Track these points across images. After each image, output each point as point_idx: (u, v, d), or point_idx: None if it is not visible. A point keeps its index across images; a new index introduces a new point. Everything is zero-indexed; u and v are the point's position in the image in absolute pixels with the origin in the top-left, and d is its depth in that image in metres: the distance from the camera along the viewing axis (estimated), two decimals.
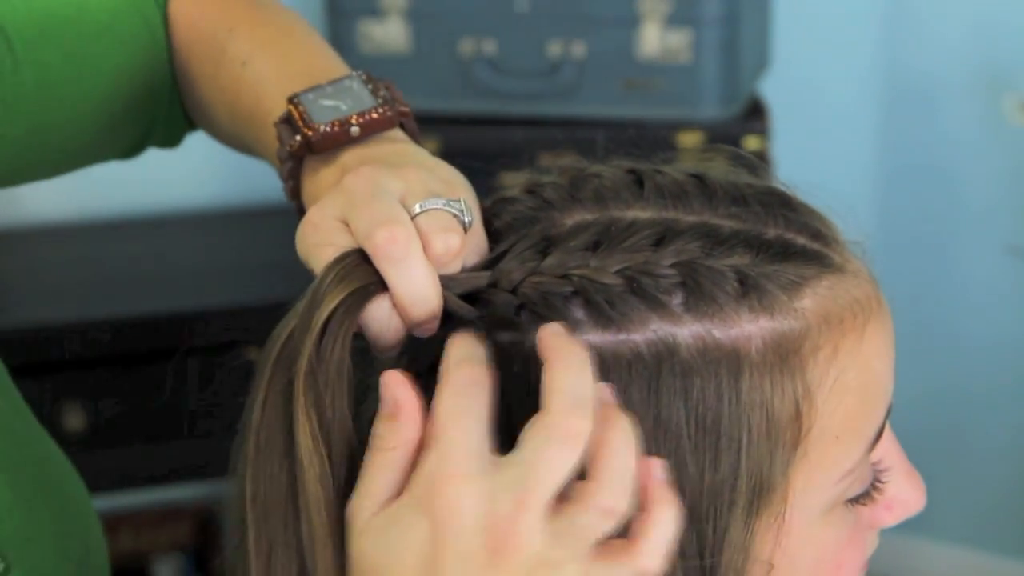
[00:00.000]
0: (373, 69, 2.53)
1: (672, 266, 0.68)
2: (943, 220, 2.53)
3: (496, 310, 0.68)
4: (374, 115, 0.75)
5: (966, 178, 2.52)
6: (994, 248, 2.49)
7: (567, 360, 0.63)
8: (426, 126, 2.16)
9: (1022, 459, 2.60)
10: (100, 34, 0.90)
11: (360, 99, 0.78)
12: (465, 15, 2.16)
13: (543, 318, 0.67)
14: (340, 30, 2.19)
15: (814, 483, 0.69)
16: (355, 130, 0.75)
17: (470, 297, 0.69)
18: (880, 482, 0.73)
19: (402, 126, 0.78)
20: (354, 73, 0.79)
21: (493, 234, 0.72)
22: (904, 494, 0.74)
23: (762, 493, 0.68)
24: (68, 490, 0.88)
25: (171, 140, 1.00)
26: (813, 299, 0.69)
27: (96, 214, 2.41)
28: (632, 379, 0.66)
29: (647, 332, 0.67)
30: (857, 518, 0.72)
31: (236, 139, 0.91)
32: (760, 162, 0.75)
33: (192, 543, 2.44)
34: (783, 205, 0.72)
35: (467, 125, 2.19)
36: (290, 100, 0.77)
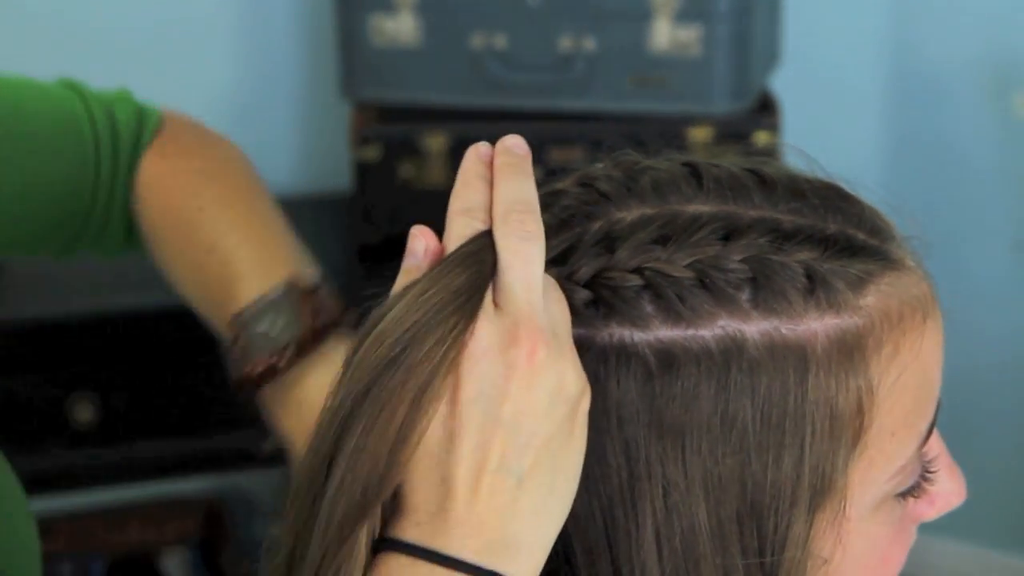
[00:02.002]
0: (384, 63, 2.52)
1: (742, 261, 0.67)
2: (952, 215, 2.53)
3: (568, 304, 0.67)
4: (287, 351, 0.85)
5: (975, 173, 2.52)
6: (1002, 243, 2.49)
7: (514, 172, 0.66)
8: (436, 120, 2.17)
9: (1019, 452, 2.60)
10: (28, 137, 0.92)
11: (288, 320, 0.86)
12: (476, 9, 2.16)
13: (614, 313, 0.67)
14: (351, 24, 2.19)
15: (870, 478, 0.69)
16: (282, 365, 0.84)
17: None
18: (929, 474, 0.73)
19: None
20: (290, 282, 0.86)
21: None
22: (947, 488, 0.74)
23: (823, 490, 0.68)
24: None
25: (104, 253, 1.03)
26: (876, 296, 0.69)
27: None
28: (701, 375, 0.66)
29: (715, 328, 0.67)
30: (903, 512, 0.73)
31: (204, 310, 0.96)
32: (771, 159, 0.75)
33: (199, 536, 2.44)
34: (841, 199, 0.72)
35: (477, 119, 2.19)
36: (232, 322, 0.84)
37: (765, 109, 2.19)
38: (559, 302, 0.66)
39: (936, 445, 0.74)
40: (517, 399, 0.63)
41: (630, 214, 0.70)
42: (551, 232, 0.70)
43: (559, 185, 0.73)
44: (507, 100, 2.18)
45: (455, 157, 2.17)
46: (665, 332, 0.67)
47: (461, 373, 0.63)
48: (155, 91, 2.43)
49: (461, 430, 0.63)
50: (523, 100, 2.17)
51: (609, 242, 0.69)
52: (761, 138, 2.13)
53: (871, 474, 0.69)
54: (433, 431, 0.63)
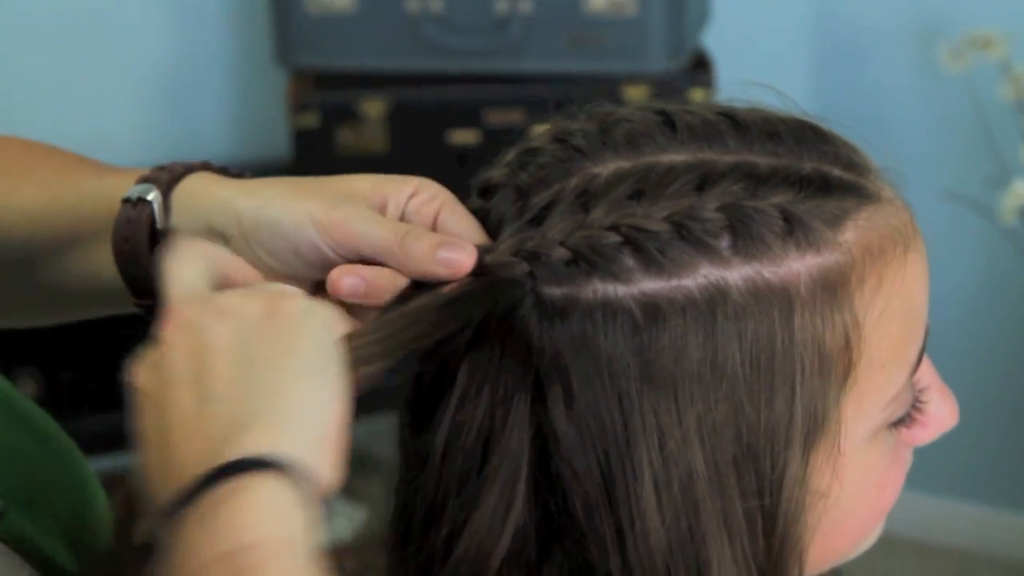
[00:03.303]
0: (319, 29, 2.51)
1: (718, 209, 0.68)
2: (881, 166, 2.55)
3: (547, 264, 0.68)
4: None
5: (900, 125, 2.54)
6: (930, 194, 2.51)
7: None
8: (374, 86, 2.16)
9: (963, 404, 2.63)
10: None
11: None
12: None
13: (596, 269, 0.67)
14: None
15: (863, 411, 0.70)
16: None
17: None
18: (920, 402, 0.74)
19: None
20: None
21: (520, 187, 0.71)
22: (940, 411, 0.75)
23: (817, 427, 0.69)
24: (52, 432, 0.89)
25: None
26: (855, 231, 0.69)
27: None
28: (688, 325, 0.67)
29: (698, 277, 0.67)
30: (897, 440, 0.74)
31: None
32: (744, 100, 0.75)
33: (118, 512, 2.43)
34: (816, 137, 0.72)
35: (415, 83, 2.19)
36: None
37: (699, 67, 2.20)
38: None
39: (927, 371, 0.75)
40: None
41: (606, 169, 0.70)
42: (530, 191, 0.71)
43: (535, 143, 0.73)
44: (444, 63, 2.18)
45: (394, 122, 2.17)
46: (649, 284, 0.67)
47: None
48: (88, 63, 2.43)
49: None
50: (460, 63, 2.17)
51: (585, 200, 0.69)
52: (697, 95, 2.14)
53: (864, 407, 0.70)
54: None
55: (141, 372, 0.66)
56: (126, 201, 0.75)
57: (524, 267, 0.68)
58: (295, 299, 0.67)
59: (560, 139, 0.72)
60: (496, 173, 0.73)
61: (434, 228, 0.72)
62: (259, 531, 0.61)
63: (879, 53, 2.57)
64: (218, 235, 0.74)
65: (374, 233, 0.70)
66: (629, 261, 0.67)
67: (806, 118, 0.73)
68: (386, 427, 1.51)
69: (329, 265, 0.71)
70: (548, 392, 0.68)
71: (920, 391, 0.74)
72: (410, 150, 2.17)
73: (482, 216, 0.72)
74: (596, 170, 0.70)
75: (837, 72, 2.59)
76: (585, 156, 0.71)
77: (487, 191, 0.73)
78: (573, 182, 0.70)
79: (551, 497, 0.69)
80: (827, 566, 0.75)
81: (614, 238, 0.67)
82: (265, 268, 0.72)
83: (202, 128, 2.49)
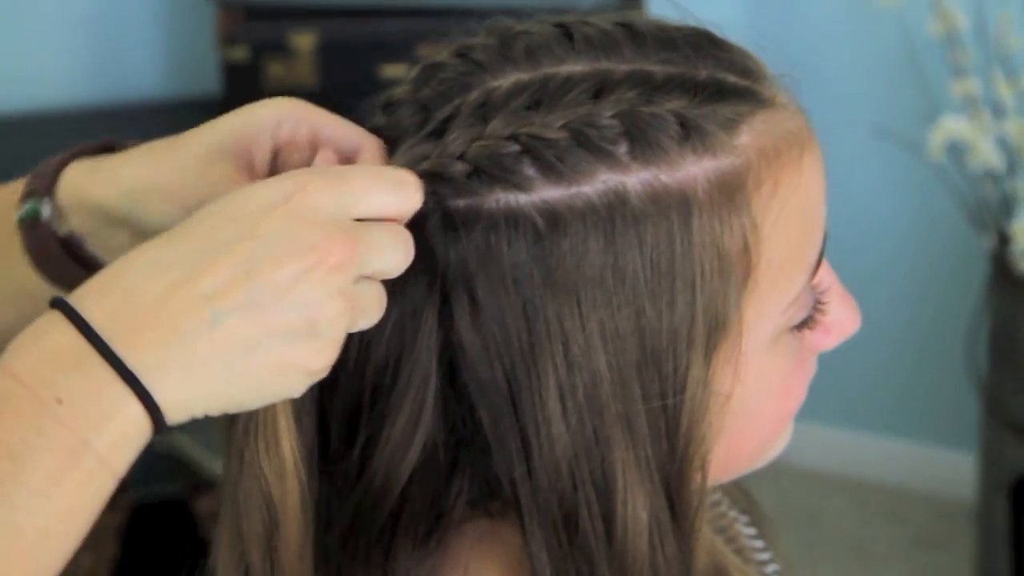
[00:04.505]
0: None
1: (613, 116, 0.68)
2: (809, 103, 2.55)
3: (449, 179, 0.68)
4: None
5: (831, 60, 2.55)
6: (861, 130, 2.53)
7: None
8: (304, 20, 2.15)
9: (888, 339, 2.65)
10: None
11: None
12: None
13: (497, 179, 0.68)
14: None
15: (764, 313, 0.72)
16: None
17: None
18: (821, 304, 0.75)
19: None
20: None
21: (422, 101, 0.72)
22: (841, 316, 0.76)
23: (718, 328, 0.70)
24: None
25: None
26: (750, 135, 0.70)
27: None
28: (588, 231, 0.68)
29: (597, 183, 0.68)
30: (800, 344, 0.75)
31: None
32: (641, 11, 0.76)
33: None
34: (711, 45, 0.73)
35: (344, 17, 2.17)
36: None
37: (630, 3, 2.20)
38: None
39: (827, 276, 0.76)
40: (275, 267, 0.63)
41: (505, 81, 0.70)
42: (432, 105, 0.71)
43: (438, 58, 0.74)
44: None
45: (324, 56, 2.15)
46: (549, 192, 0.68)
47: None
48: None
49: (200, 232, 0.64)
50: None
51: (484, 112, 0.69)
52: None
53: (764, 309, 0.71)
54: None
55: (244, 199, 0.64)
56: (22, 223, 0.75)
57: (426, 184, 0.68)
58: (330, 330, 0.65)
59: (461, 54, 0.73)
60: (399, 90, 0.73)
61: (316, 148, 0.72)
62: (29, 369, 0.61)
63: None
64: (116, 218, 0.74)
65: None
66: (529, 170, 0.68)
67: (702, 27, 0.74)
68: None
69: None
70: (454, 303, 0.69)
71: (820, 293, 0.75)
72: (341, 84, 2.16)
73: (384, 132, 0.72)
74: (496, 83, 0.70)
75: (769, 6, 2.59)
76: (485, 70, 0.71)
77: (389, 107, 0.73)
78: (473, 95, 0.70)
79: (459, 409, 0.70)
80: (734, 473, 0.77)
81: (513, 147, 0.68)
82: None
83: (131, 63, 2.47)
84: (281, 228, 0.63)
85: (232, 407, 0.65)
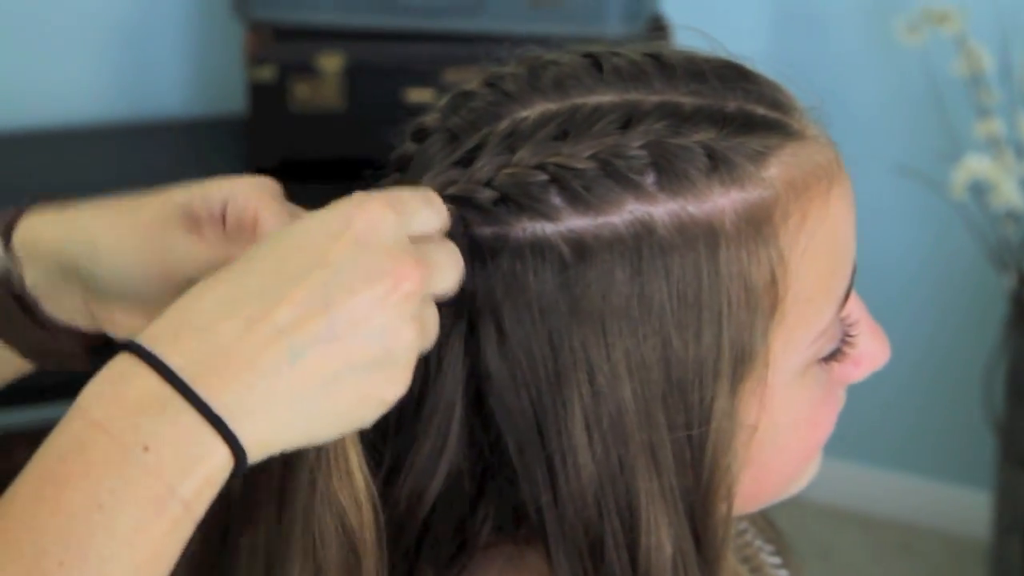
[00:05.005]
0: None
1: (641, 147, 0.69)
2: (835, 140, 2.56)
3: (476, 205, 0.69)
4: None
5: (855, 98, 2.55)
6: (883, 168, 2.53)
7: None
8: (331, 41, 2.15)
9: (906, 376, 2.65)
10: None
11: None
12: None
13: (524, 208, 0.68)
14: None
15: (791, 346, 0.72)
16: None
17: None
18: (849, 337, 0.75)
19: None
20: None
21: (451, 130, 0.72)
22: (870, 348, 0.76)
23: (745, 360, 0.70)
24: None
25: None
26: (779, 167, 0.70)
27: None
28: (614, 261, 0.68)
29: (624, 213, 0.68)
30: (829, 376, 0.75)
31: None
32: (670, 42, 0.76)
33: None
34: (740, 77, 0.73)
35: (372, 40, 2.18)
36: None
37: (658, 32, 2.20)
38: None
39: (856, 308, 0.76)
40: (357, 300, 0.62)
41: (533, 111, 0.71)
42: (461, 134, 0.71)
43: (467, 87, 0.74)
44: (403, 21, 2.17)
45: (350, 78, 2.16)
46: (576, 222, 0.68)
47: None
48: (45, 14, 2.40)
49: (270, 270, 0.63)
50: (418, 21, 2.17)
51: (512, 141, 0.70)
52: None
53: (792, 341, 0.71)
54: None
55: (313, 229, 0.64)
56: None
57: (453, 211, 0.68)
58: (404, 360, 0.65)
59: (491, 83, 0.73)
60: (429, 117, 0.74)
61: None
62: (114, 417, 0.60)
63: (836, 25, 2.58)
64: (69, 269, 0.74)
65: (191, 261, 0.72)
66: (556, 199, 0.68)
67: (731, 58, 0.74)
68: None
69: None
70: (481, 331, 0.69)
71: (849, 326, 0.75)
72: (366, 107, 2.16)
73: (414, 160, 0.73)
74: (524, 113, 0.71)
75: (794, 42, 2.60)
76: (514, 99, 0.71)
77: (419, 135, 0.74)
78: (501, 125, 0.70)
79: (485, 436, 0.71)
80: (760, 504, 0.77)
81: (540, 176, 0.68)
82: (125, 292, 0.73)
83: (158, 80, 2.48)
84: (350, 255, 0.63)
85: (307, 441, 0.64)
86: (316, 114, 2.15)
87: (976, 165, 2.22)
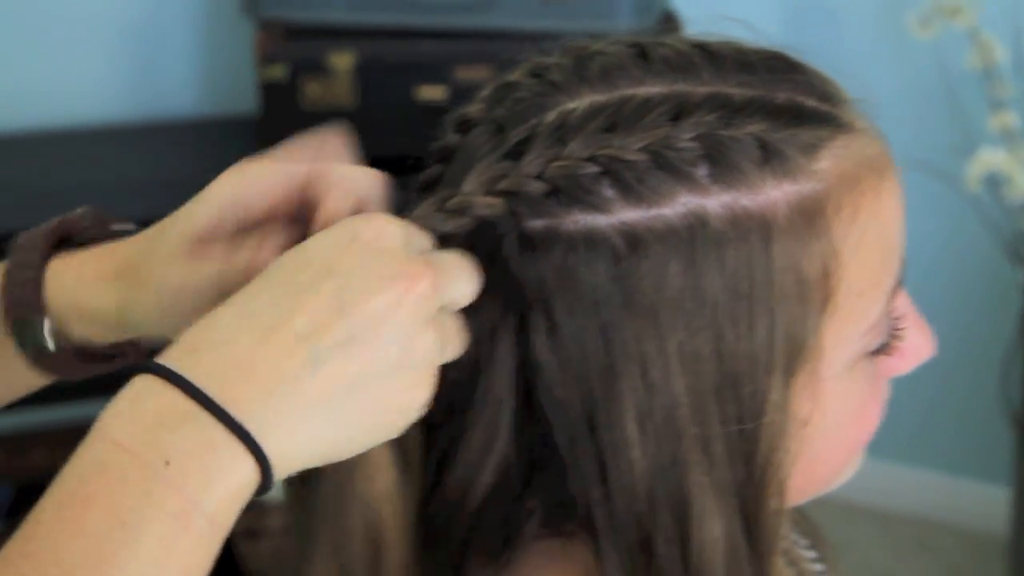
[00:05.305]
0: None
1: (693, 139, 0.68)
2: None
3: (527, 198, 0.68)
4: None
5: (871, 94, 2.54)
6: (896, 162, 2.52)
7: None
8: (342, 39, 2.15)
9: (922, 370, 2.64)
10: None
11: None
12: None
13: (575, 200, 0.67)
14: None
15: (842, 339, 0.71)
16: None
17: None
18: (897, 331, 0.75)
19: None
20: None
21: (497, 121, 0.71)
22: (916, 342, 0.76)
23: (797, 354, 0.69)
24: None
25: None
26: (830, 160, 0.70)
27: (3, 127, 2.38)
28: (668, 254, 0.67)
29: (677, 205, 0.67)
30: (875, 370, 0.74)
31: None
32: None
33: None
34: (790, 68, 0.73)
35: (383, 38, 2.18)
36: None
37: (669, 26, 2.20)
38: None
39: (903, 302, 0.75)
40: (372, 302, 0.62)
41: (581, 103, 0.70)
42: (507, 125, 0.70)
43: (511, 77, 0.73)
44: (414, 18, 2.17)
45: (361, 76, 2.16)
46: (628, 214, 0.67)
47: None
48: (54, 14, 2.40)
49: (284, 279, 0.63)
50: (429, 18, 2.16)
51: (562, 133, 0.69)
52: None
53: (843, 334, 0.71)
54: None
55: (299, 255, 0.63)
56: (26, 350, 0.73)
57: (504, 204, 0.68)
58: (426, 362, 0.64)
59: (536, 74, 0.72)
60: (472, 108, 0.73)
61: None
62: (143, 444, 0.59)
63: (848, 18, 2.58)
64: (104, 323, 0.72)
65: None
66: (608, 191, 0.67)
67: (779, 49, 0.74)
68: None
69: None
70: (531, 324, 0.68)
71: (897, 319, 0.74)
72: (377, 105, 2.16)
73: (457, 152, 0.72)
74: (572, 104, 0.70)
75: (805, 36, 2.59)
76: (560, 90, 0.71)
77: (463, 126, 0.73)
78: (549, 117, 0.70)
79: (534, 430, 0.70)
80: (805, 497, 0.76)
81: (592, 168, 0.67)
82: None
83: (168, 80, 2.48)
84: (361, 262, 0.62)
85: (336, 454, 0.63)
86: (327, 112, 2.14)
87: (990, 158, 2.22)
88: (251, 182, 0.70)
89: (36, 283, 0.73)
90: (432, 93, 2.14)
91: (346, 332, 0.61)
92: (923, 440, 2.77)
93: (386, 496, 0.68)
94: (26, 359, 0.73)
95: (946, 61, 2.39)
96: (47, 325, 0.73)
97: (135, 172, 2.27)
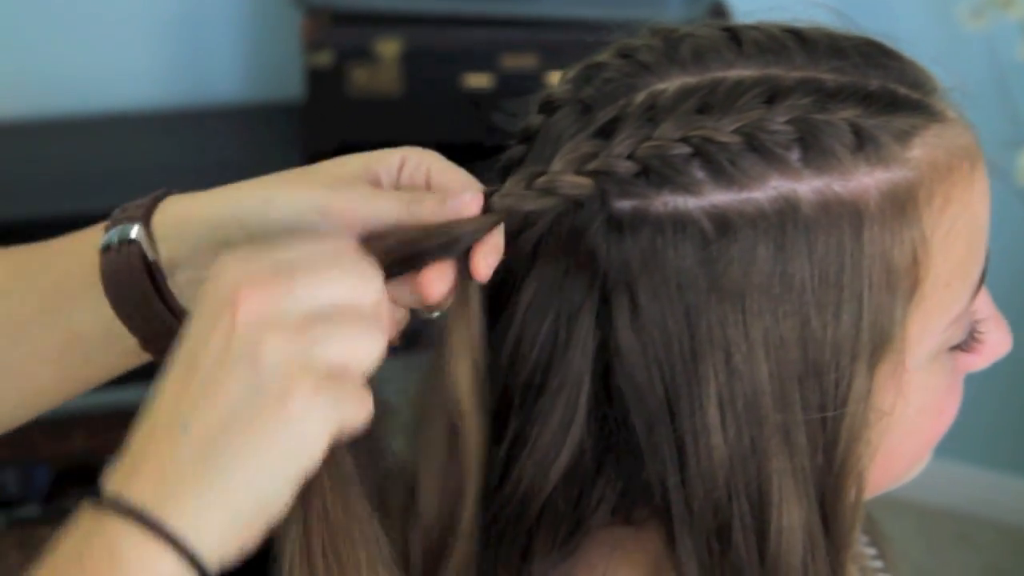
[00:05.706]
0: None
1: (787, 122, 0.67)
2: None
3: (616, 179, 0.67)
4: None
5: (959, 82, 2.52)
6: None
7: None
8: (389, 26, 2.15)
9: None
10: None
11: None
12: None
13: (665, 181, 0.67)
14: None
15: (927, 331, 0.71)
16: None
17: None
18: (978, 323, 0.74)
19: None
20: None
21: (584, 101, 0.71)
22: (995, 338, 0.76)
23: (882, 342, 0.69)
24: None
25: None
26: (923, 148, 0.69)
27: (43, 112, 2.38)
28: (758, 237, 0.67)
29: (768, 189, 0.67)
30: (955, 364, 0.74)
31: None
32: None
33: None
34: (882, 55, 0.72)
35: (429, 24, 2.17)
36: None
37: (717, 15, 2.18)
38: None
39: (982, 297, 0.75)
40: (204, 346, 0.62)
41: (672, 84, 0.69)
42: (595, 105, 0.70)
43: (599, 58, 0.73)
44: (460, 5, 2.16)
45: (408, 63, 2.15)
46: (719, 197, 0.67)
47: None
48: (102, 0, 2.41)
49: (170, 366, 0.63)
50: (476, 5, 2.16)
51: (653, 114, 0.68)
52: None
53: (928, 325, 0.70)
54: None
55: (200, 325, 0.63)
56: (106, 250, 0.73)
57: (592, 184, 0.67)
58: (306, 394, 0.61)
59: (625, 55, 0.72)
60: (558, 89, 0.73)
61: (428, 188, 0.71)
62: None
63: (899, 9, 2.55)
64: (218, 249, 0.71)
65: (382, 208, 0.69)
66: (699, 173, 0.67)
67: (871, 36, 0.73)
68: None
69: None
70: (614, 305, 0.67)
71: (977, 321, 0.74)
72: (424, 92, 2.15)
73: (544, 132, 0.71)
74: (662, 86, 0.69)
75: (856, 27, 2.57)
76: (650, 71, 0.70)
77: (548, 107, 0.72)
78: (639, 97, 0.69)
79: (611, 414, 0.69)
80: (880, 491, 0.76)
81: (684, 149, 0.67)
82: None
83: (214, 66, 2.48)
84: (196, 314, 0.62)
85: (264, 504, 0.61)
86: (373, 99, 2.14)
87: None
88: (390, 154, 0.72)
89: (145, 206, 0.73)
90: (478, 81, 2.13)
91: (199, 386, 0.60)
92: (963, 434, 2.74)
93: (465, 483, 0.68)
94: (100, 264, 0.73)
95: (998, 53, 2.37)
96: (137, 230, 0.73)
97: (181, 157, 2.28)
